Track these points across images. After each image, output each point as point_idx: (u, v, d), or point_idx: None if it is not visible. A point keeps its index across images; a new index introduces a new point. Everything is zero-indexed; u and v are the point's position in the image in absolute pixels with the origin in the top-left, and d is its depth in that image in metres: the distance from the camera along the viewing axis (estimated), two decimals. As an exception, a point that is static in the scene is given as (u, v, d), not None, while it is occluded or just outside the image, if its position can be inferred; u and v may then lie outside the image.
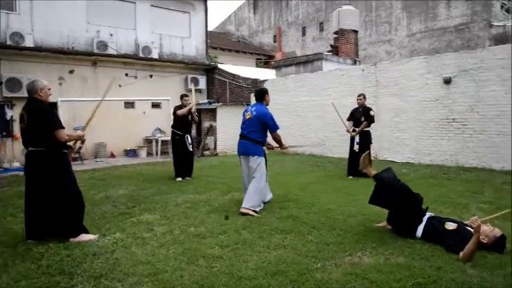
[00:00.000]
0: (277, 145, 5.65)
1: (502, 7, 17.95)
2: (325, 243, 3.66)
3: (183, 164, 7.84)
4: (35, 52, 11.68)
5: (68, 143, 4.14)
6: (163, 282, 2.93)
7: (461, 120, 8.66)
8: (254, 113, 5.36)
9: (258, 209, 5.00)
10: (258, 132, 5.34)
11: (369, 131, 7.88)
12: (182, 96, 8.11)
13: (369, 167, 4.26)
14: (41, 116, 3.88)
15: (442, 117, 8.99)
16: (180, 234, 4.09)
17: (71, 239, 3.93)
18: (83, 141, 4.37)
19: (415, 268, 3.05)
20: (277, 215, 4.77)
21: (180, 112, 7.75)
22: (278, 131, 5.45)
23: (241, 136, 5.46)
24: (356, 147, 7.75)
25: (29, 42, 11.49)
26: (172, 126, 8.02)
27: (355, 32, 14.45)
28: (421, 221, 3.79)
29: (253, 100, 13.61)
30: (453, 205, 5.10)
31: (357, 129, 7.86)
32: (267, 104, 5.59)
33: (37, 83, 4.01)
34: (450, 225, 3.58)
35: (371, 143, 7.89)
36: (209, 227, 4.33)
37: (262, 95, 5.56)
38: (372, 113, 7.85)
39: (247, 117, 5.42)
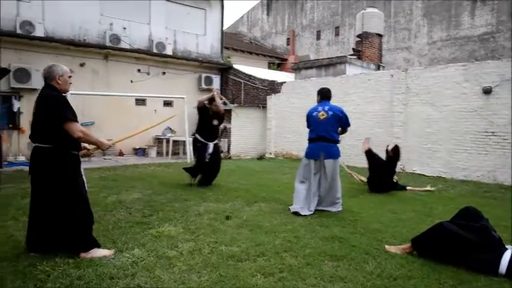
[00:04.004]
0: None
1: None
2: (390, 277, 3.02)
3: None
4: (45, 42, 11.12)
5: (82, 144, 3.52)
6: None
7: (501, 134, 8.00)
8: (330, 112, 5.20)
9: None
10: (336, 132, 5.31)
11: None
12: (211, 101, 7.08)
13: None
14: (50, 105, 3.23)
15: (479, 129, 8.33)
16: (210, 255, 3.46)
17: (82, 255, 3.31)
18: (101, 149, 3.71)
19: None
20: (319, 234, 4.13)
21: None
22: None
23: (322, 138, 5.19)
24: None
25: (39, 32, 10.94)
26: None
27: (380, 36, 13.84)
28: (500, 255, 3.15)
29: (271, 101, 13.20)
30: (519, 232, 4.45)
31: None
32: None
33: (55, 68, 3.39)
34: (546, 263, 2.94)
35: None
36: (243, 246, 3.69)
37: (330, 93, 5.57)
38: None
39: (322, 117, 5.19)
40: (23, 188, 6.30)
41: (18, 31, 10.62)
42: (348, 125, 5.40)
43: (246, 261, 3.32)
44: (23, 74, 10.54)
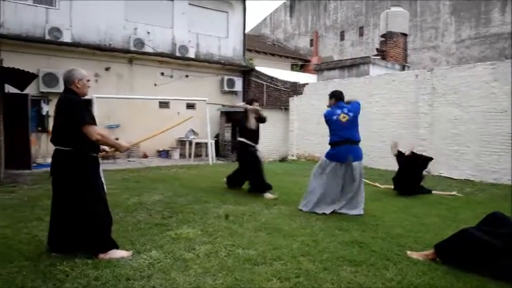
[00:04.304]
0: None
1: None
2: (411, 285, 2.91)
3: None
4: (72, 48, 11.47)
5: (101, 146, 3.57)
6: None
7: (534, 135, 7.65)
8: (351, 113, 5.24)
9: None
10: (359, 132, 5.33)
11: None
12: (252, 102, 6.79)
13: None
14: (69, 109, 3.30)
15: (510, 131, 7.98)
16: (226, 257, 3.44)
17: (100, 255, 3.35)
18: (119, 151, 3.77)
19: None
20: (338, 238, 4.04)
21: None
22: None
23: (347, 141, 5.16)
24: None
25: (66, 38, 11.28)
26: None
27: (405, 35, 13.52)
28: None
29: (294, 103, 13.12)
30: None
31: None
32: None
33: (75, 72, 3.46)
34: None
35: None
36: (260, 249, 3.66)
37: (343, 94, 5.51)
38: None
39: (344, 119, 5.19)
40: (49, 189, 6.36)
41: (47, 37, 10.98)
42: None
43: (262, 265, 3.28)
44: (51, 79, 10.88)
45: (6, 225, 4.36)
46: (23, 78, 7.83)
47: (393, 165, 9.72)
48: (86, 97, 3.62)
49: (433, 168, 9.19)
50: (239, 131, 6.95)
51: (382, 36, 13.63)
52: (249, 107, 6.66)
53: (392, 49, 12.99)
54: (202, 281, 2.95)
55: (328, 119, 5.36)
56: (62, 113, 3.34)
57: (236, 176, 6.95)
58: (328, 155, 5.34)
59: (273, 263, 3.32)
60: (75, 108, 3.28)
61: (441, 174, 9.03)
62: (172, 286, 2.85)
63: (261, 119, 6.75)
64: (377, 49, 13.98)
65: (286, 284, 2.91)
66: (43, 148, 11.16)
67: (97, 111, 9.98)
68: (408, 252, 3.58)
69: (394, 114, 10.26)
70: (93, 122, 3.34)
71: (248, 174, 6.65)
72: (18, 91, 9.43)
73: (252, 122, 6.59)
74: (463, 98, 8.78)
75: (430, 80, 9.41)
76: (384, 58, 13.00)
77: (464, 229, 3.28)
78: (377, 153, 10.54)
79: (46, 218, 4.51)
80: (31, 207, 5.29)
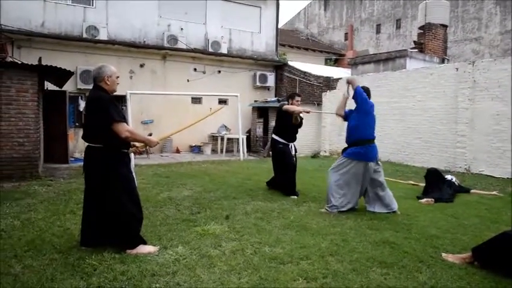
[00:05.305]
0: None
1: None
2: (446, 290, 2.75)
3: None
4: (108, 45, 11.77)
5: (131, 142, 3.60)
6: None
7: None
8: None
9: None
10: None
11: None
12: (294, 96, 6.44)
13: None
14: (98, 106, 3.33)
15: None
16: (252, 255, 3.38)
17: (128, 251, 3.38)
18: (149, 146, 3.80)
19: None
20: (369, 238, 3.89)
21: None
22: None
23: (373, 140, 5.01)
24: None
25: (103, 36, 11.58)
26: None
27: (444, 26, 12.89)
28: None
29: (326, 98, 12.90)
30: None
31: None
32: None
33: (104, 69, 3.47)
34: None
35: None
36: (287, 248, 3.57)
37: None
38: None
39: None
40: (83, 184, 6.66)
41: (84, 35, 11.33)
42: None
43: (288, 264, 3.20)
44: (88, 76, 11.19)
45: (41, 218, 4.50)
46: (61, 75, 8.11)
47: (429, 162, 9.39)
48: (120, 93, 3.66)
49: (472, 166, 8.75)
50: (275, 127, 6.62)
51: (420, 28, 13.06)
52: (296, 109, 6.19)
53: (430, 41, 12.41)
54: (226, 278, 2.90)
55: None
56: (92, 111, 3.39)
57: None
58: (355, 154, 4.95)
59: (300, 262, 3.23)
60: (104, 106, 3.30)
61: (481, 173, 8.56)
62: (196, 283, 2.83)
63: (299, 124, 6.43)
64: (414, 42, 13.41)
65: (312, 285, 2.82)
66: (80, 143, 11.53)
67: (131, 107, 10.18)
68: (443, 255, 3.39)
69: (431, 109, 9.83)
70: (122, 119, 3.36)
71: (277, 173, 6.36)
72: (57, 88, 9.80)
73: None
74: (507, 92, 8.26)
75: (471, 73, 8.93)
76: (421, 51, 12.46)
77: (505, 232, 3.06)
78: (412, 149, 10.17)
79: (79, 212, 4.64)
80: (66, 201, 5.46)
